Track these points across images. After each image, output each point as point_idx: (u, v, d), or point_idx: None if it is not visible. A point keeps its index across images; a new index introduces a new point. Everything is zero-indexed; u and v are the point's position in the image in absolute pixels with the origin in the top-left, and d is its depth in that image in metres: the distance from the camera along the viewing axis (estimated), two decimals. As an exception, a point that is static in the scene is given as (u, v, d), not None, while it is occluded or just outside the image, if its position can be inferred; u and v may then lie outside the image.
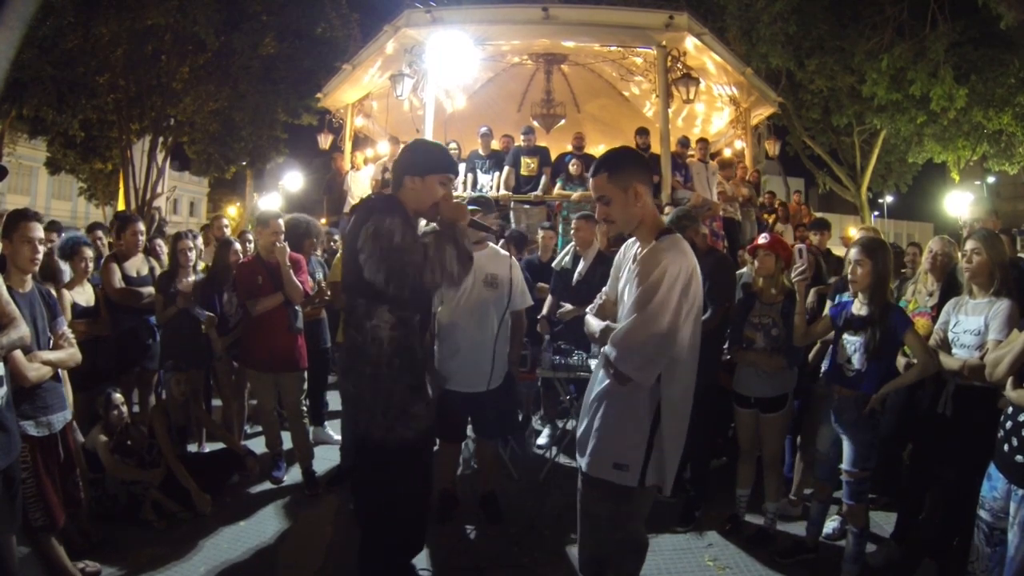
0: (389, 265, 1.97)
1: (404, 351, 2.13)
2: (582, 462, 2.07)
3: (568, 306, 4.27)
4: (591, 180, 2.06)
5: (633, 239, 2.13)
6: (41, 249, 2.66)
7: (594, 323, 2.21)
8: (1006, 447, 2.23)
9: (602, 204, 2.03)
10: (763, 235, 3.56)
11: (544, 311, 4.56)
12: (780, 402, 3.30)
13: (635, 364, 1.88)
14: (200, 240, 4.75)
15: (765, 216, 8.97)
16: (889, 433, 3.33)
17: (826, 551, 3.20)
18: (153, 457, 3.62)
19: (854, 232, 6.20)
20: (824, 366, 3.18)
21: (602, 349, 2.02)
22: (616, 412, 1.98)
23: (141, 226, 4.40)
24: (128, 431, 3.64)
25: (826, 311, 3.19)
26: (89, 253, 3.89)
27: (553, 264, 4.81)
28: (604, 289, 2.30)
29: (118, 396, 3.66)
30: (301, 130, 14.99)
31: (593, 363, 4.14)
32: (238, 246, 4.64)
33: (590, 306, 2.32)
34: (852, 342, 2.90)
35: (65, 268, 3.86)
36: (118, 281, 4.17)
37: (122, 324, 4.14)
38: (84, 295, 3.88)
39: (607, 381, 2.00)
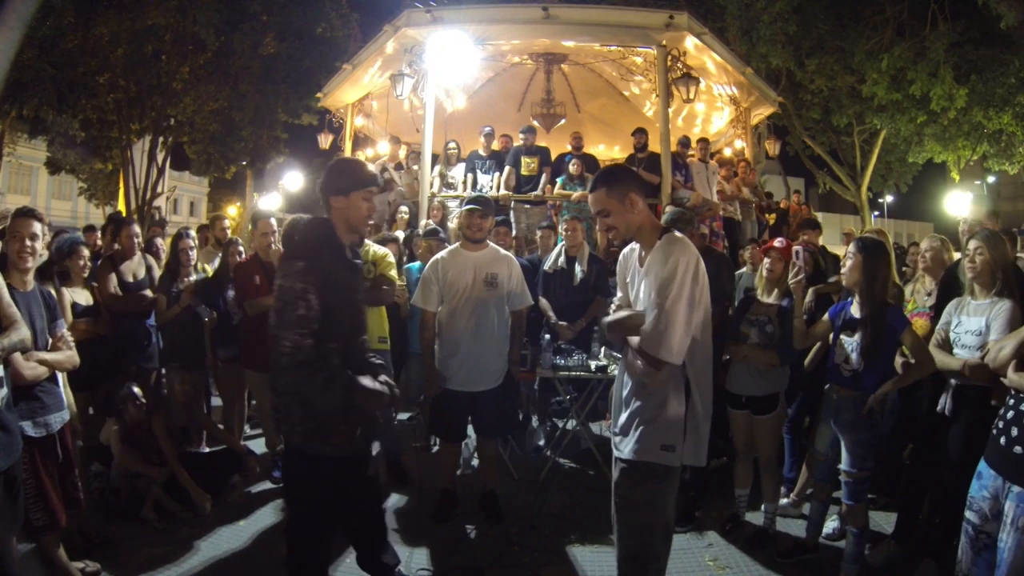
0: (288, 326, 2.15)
1: (327, 376, 2.24)
2: (624, 451, 2.19)
3: (563, 323, 4.49)
4: (590, 196, 2.22)
5: (631, 246, 2.32)
6: (32, 246, 2.60)
7: (606, 320, 2.33)
8: (1003, 439, 2.15)
9: (602, 217, 2.20)
10: (779, 239, 3.57)
11: (553, 317, 4.57)
12: (771, 402, 3.31)
13: (669, 349, 2.04)
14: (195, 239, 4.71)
15: (766, 216, 8.97)
16: (889, 433, 3.33)
17: (826, 551, 3.20)
18: (159, 457, 3.62)
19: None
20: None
21: (631, 340, 2.16)
22: (656, 398, 2.14)
23: (136, 228, 4.37)
24: (139, 428, 3.65)
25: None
26: (86, 253, 3.88)
27: (546, 267, 4.80)
28: (616, 297, 2.46)
29: (137, 391, 3.69)
30: (301, 130, 15.01)
31: (593, 364, 4.17)
32: (240, 247, 4.62)
33: (611, 313, 2.43)
34: (849, 342, 2.90)
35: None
36: (113, 287, 4.14)
37: (119, 325, 4.12)
38: (83, 294, 3.88)
39: (640, 372, 2.15)
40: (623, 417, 2.24)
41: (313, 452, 2.26)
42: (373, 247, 4.08)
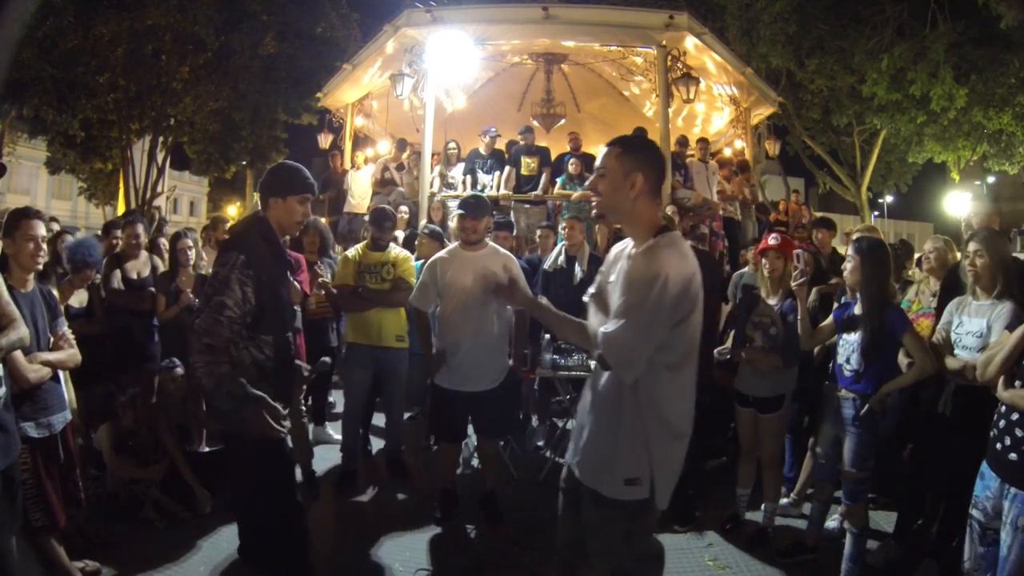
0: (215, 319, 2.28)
1: (225, 371, 2.33)
2: (589, 482, 1.93)
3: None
4: (604, 148, 1.95)
5: (626, 241, 2.03)
6: (43, 247, 2.65)
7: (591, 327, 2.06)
8: (998, 445, 2.22)
9: (598, 175, 1.93)
10: (773, 235, 3.54)
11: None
12: (776, 403, 3.31)
13: (618, 361, 1.81)
14: (198, 240, 4.74)
15: (760, 216, 8.96)
16: (889, 433, 3.33)
17: (826, 551, 3.19)
18: (157, 457, 3.62)
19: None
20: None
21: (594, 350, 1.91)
22: (614, 429, 1.88)
23: (139, 229, 4.41)
24: (134, 432, 3.65)
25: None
26: (91, 273, 3.93)
27: (546, 266, 4.81)
28: (591, 289, 2.18)
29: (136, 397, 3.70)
30: (301, 130, 14.99)
31: (593, 363, 4.15)
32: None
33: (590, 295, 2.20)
34: (849, 342, 2.91)
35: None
36: (117, 283, 4.19)
37: (119, 323, 4.15)
38: (77, 297, 3.90)
39: (597, 394, 1.93)
40: (581, 442, 1.97)
41: (275, 436, 2.39)
42: (395, 249, 4.12)
